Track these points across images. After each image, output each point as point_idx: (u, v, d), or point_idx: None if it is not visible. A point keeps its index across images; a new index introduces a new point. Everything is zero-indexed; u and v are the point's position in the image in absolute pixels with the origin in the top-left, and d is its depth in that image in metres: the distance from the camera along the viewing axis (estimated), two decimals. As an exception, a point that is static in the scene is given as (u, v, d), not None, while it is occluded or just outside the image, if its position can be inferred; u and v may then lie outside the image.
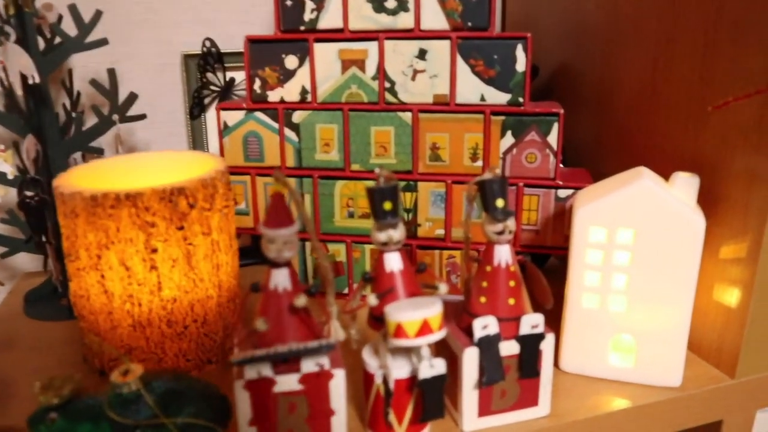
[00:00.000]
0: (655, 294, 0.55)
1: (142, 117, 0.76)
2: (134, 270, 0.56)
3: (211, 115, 0.87)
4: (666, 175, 0.58)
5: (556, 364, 0.59)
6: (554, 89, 0.83)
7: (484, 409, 0.52)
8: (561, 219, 0.67)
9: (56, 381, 0.45)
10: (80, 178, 0.60)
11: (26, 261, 0.87)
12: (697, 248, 0.53)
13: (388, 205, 0.47)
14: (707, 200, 0.57)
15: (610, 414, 0.54)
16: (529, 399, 0.53)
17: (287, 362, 0.46)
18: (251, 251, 0.83)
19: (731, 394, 0.58)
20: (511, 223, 0.49)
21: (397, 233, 0.47)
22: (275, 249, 0.45)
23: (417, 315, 0.43)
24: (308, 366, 0.46)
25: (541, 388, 0.52)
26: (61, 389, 0.45)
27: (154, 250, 0.56)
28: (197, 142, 0.87)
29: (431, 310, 0.44)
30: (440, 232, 0.70)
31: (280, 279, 0.46)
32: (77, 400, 0.45)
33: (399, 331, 0.44)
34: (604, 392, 0.57)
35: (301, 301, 0.45)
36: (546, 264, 0.80)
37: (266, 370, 0.45)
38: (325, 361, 0.46)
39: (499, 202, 0.49)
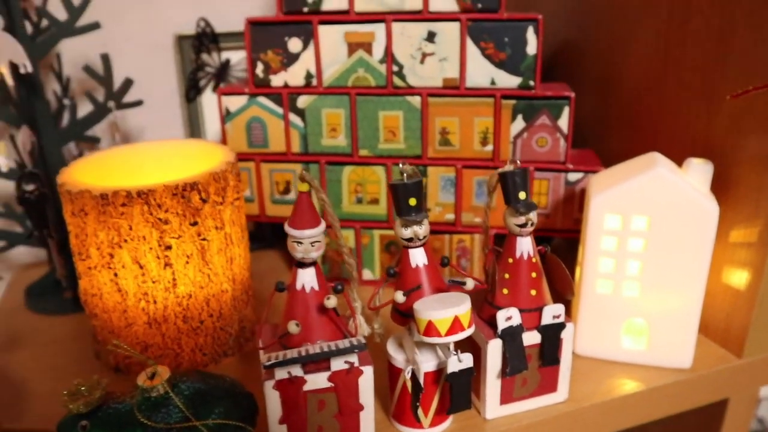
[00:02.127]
0: (668, 279, 0.56)
1: (139, 103, 0.73)
2: (148, 268, 0.55)
3: (207, 98, 0.85)
4: (676, 158, 0.59)
5: (572, 348, 0.60)
6: (557, 65, 0.82)
7: (506, 397, 0.53)
8: (571, 202, 0.67)
9: (83, 387, 0.45)
10: (84, 173, 0.58)
11: (23, 252, 0.84)
12: (710, 235, 0.54)
13: (412, 201, 0.47)
14: (719, 184, 0.58)
15: (624, 397, 0.56)
16: (549, 385, 0.54)
17: (317, 361, 0.45)
18: (256, 236, 0.82)
19: (738, 373, 0.59)
20: (533, 215, 0.49)
21: (422, 229, 0.47)
22: (302, 249, 0.44)
23: (448, 313, 0.44)
24: (338, 364, 0.46)
25: (561, 375, 0.54)
26: (90, 396, 0.44)
27: (168, 247, 0.55)
28: (194, 125, 0.85)
29: (461, 307, 0.44)
30: (450, 216, 0.70)
31: (307, 279, 0.46)
32: (105, 406, 0.45)
33: (430, 329, 0.44)
34: (617, 375, 0.58)
35: (332, 302, 0.44)
36: (551, 244, 0.81)
37: (296, 370, 0.45)
38: (354, 358, 0.46)
39: (522, 195, 0.49)
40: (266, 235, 0.83)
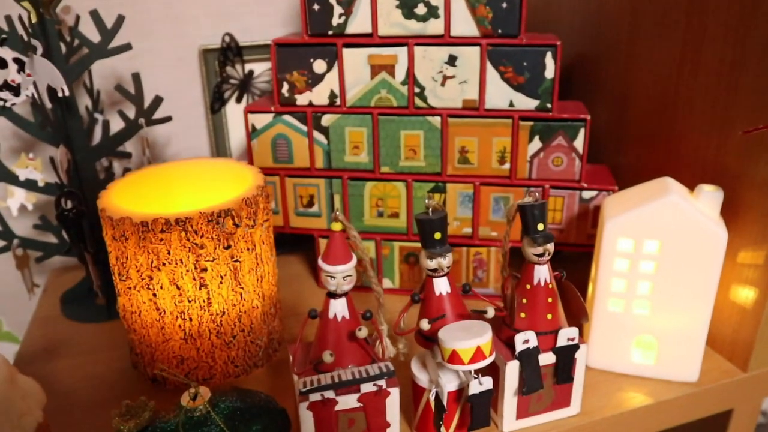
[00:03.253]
0: (677, 300, 0.59)
1: (168, 119, 0.76)
2: (185, 288, 0.58)
3: (231, 108, 0.87)
4: (687, 180, 0.61)
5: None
6: (573, 79, 0.84)
7: (522, 413, 0.56)
8: (585, 218, 0.70)
9: (133, 408, 0.49)
10: (122, 197, 0.61)
11: (56, 258, 0.88)
12: (718, 260, 0.57)
13: (437, 235, 0.50)
14: (729, 208, 0.60)
15: (633, 410, 0.59)
16: (563, 401, 0.57)
17: (348, 386, 0.49)
18: (280, 242, 0.85)
19: (743, 386, 0.63)
20: (550, 246, 0.52)
21: (446, 261, 0.50)
22: (335, 283, 0.47)
23: (471, 343, 0.47)
24: (367, 387, 0.49)
25: (574, 391, 0.57)
26: (140, 416, 0.48)
27: (204, 270, 0.58)
28: (218, 135, 0.87)
29: (483, 338, 0.47)
30: (468, 230, 0.73)
31: (339, 308, 0.49)
32: (152, 426, 0.49)
33: (454, 358, 0.47)
34: (627, 388, 0.61)
35: (363, 333, 0.48)
36: (562, 254, 0.83)
37: (329, 393, 0.49)
38: (382, 381, 0.50)
39: (540, 227, 0.51)
40: (288, 241, 0.86)
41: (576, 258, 0.81)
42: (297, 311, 0.76)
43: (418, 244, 0.50)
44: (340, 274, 0.47)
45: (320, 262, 0.48)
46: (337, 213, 0.46)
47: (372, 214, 0.74)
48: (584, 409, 0.58)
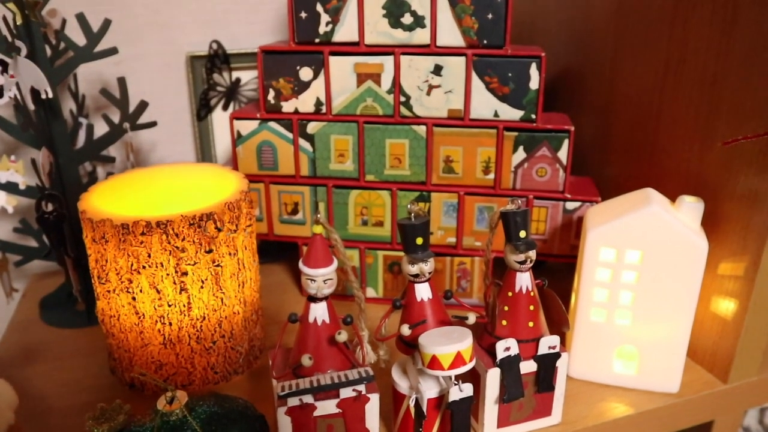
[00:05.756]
0: (659, 310, 0.59)
1: (153, 124, 0.76)
2: (165, 292, 0.58)
3: (217, 115, 0.87)
4: (670, 192, 0.62)
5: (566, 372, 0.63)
6: (558, 92, 0.85)
7: (503, 421, 0.56)
8: (568, 229, 0.70)
9: (107, 411, 0.48)
10: (102, 197, 0.61)
11: (35, 263, 0.87)
12: (699, 270, 0.57)
13: (419, 240, 0.49)
14: (710, 220, 0.61)
15: (614, 421, 0.59)
16: (544, 410, 0.57)
17: (327, 390, 0.48)
18: (263, 250, 0.84)
19: (724, 397, 0.63)
20: (532, 253, 0.52)
21: (428, 266, 0.50)
22: (315, 286, 0.47)
23: (451, 348, 0.47)
24: (346, 392, 0.49)
25: (555, 400, 0.57)
26: (114, 420, 0.47)
27: (184, 273, 0.57)
28: (204, 142, 0.87)
29: (463, 343, 0.47)
30: (452, 240, 0.73)
31: (319, 312, 0.49)
32: (127, 429, 0.48)
33: (434, 363, 0.47)
34: (609, 399, 0.61)
35: (343, 336, 0.47)
36: (545, 265, 0.84)
37: (308, 398, 0.48)
38: (361, 387, 0.49)
39: (522, 234, 0.51)
40: (273, 249, 0.86)
41: (559, 269, 0.82)
42: (279, 319, 0.75)
43: (402, 254, 0.50)
44: (321, 277, 0.47)
45: (300, 265, 0.47)
46: (318, 216, 0.46)
47: (356, 223, 0.74)
48: (565, 418, 0.58)
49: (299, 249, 0.77)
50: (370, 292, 0.77)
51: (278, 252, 0.87)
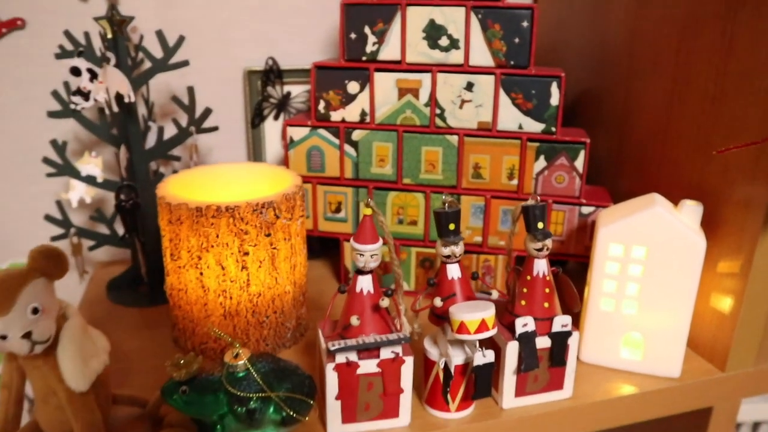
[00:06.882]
0: (662, 300, 0.66)
1: (215, 129, 0.86)
2: (228, 269, 0.67)
3: (268, 124, 0.97)
4: (675, 199, 0.69)
5: (577, 355, 0.70)
6: (578, 110, 0.94)
7: (520, 391, 0.63)
8: (583, 232, 0.78)
9: (184, 360, 0.56)
10: (178, 188, 0.71)
11: (102, 251, 0.97)
12: (698, 265, 0.65)
13: (452, 226, 0.58)
14: (709, 223, 0.68)
15: (620, 398, 0.66)
16: (556, 383, 0.64)
17: (369, 350, 0.57)
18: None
19: (721, 384, 0.69)
20: (549, 242, 0.60)
21: (458, 249, 0.58)
22: (363, 260, 0.56)
23: (477, 315, 0.55)
24: (386, 353, 0.57)
25: (566, 375, 0.64)
26: (189, 367, 0.56)
27: (246, 253, 0.66)
28: (256, 147, 0.97)
29: (487, 312, 0.55)
30: (478, 239, 0.81)
31: (365, 284, 0.57)
32: (200, 377, 0.56)
33: (462, 328, 0.55)
34: (615, 380, 0.68)
35: (385, 302, 0.56)
36: (566, 267, 0.91)
37: (353, 356, 0.56)
38: (399, 349, 0.57)
39: (540, 225, 0.60)
40: (315, 247, 0.95)
41: (576, 270, 0.89)
42: (320, 304, 0.84)
43: (434, 251, 0.58)
44: (368, 252, 0.55)
45: (352, 241, 0.56)
46: (369, 200, 0.55)
47: (393, 221, 0.83)
48: (576, 393, 0.65)
49: (341, 245, 0.86)
50: (403, 286, 0.85)
51: (320, 250, 0.96)
